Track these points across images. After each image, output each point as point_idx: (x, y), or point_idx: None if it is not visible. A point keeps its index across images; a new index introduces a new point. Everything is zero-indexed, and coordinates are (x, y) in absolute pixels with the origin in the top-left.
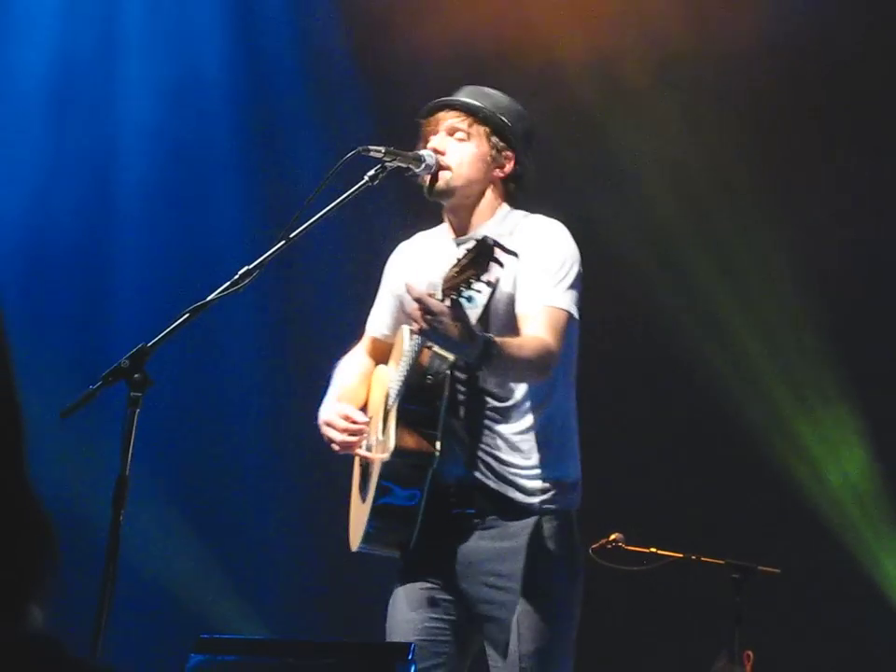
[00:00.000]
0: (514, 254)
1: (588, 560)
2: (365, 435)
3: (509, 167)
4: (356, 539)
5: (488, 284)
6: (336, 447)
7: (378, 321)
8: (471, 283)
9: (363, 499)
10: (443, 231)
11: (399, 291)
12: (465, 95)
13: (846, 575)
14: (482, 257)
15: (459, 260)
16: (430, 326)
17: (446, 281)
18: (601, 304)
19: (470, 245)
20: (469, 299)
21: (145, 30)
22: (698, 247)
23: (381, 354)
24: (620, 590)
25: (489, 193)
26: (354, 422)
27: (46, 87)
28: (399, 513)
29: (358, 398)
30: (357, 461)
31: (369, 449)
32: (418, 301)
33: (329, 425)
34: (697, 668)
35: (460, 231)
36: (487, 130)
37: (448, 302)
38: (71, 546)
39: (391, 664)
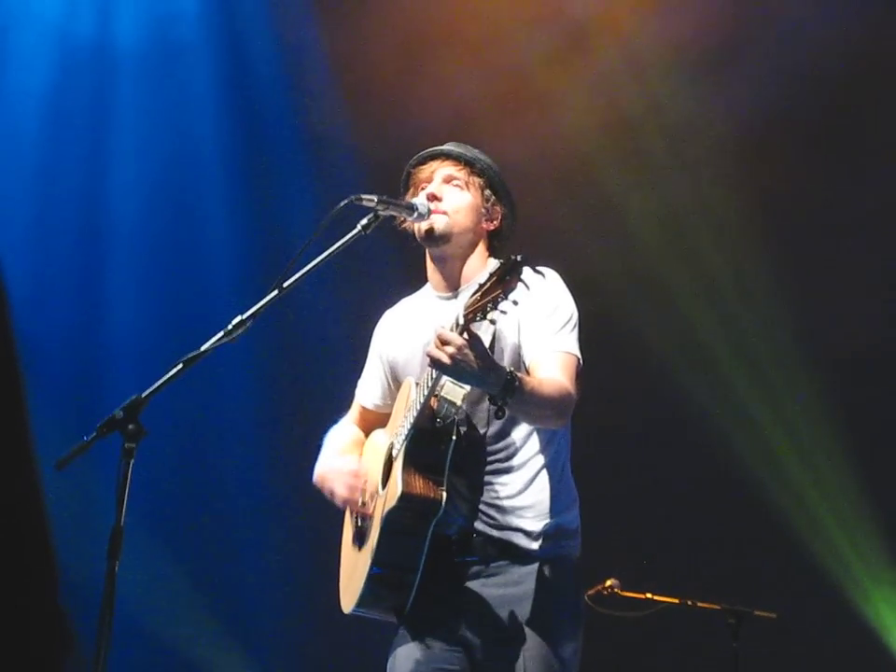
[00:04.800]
0: (527, 286)
1: (584, 606)
2: (363, 493)
3: (497, 221)
4: (349, 601)
5: (515, 303)
6: (339, 500)
7: (367, 390)
8: (498, 302)
9: (358, 559)
10: (427, 292)
11: (387, 358)
12: (453, 149)
13: (842, 620)
14: (510, 274)
15: (482, 284)
16: (452, 360)
17: (468, 306)
18: (603, 354)
19: (492, 268)
20: (493, 321)
21: (139, 84)
22: (698, 299)
23: (369, 424)
24: (616, 636)
25: (480, 245)
26: (357, 475)
27: (39, 140)
28: (397, 575)
29: None
30: (347, 522)
31: (364, 515)
32: (438, 336)
33: (333, 478)
34: None
35: (451, 283)
36: (482, 182)
37: (467, 336)
38: (66, 597)
39: None
